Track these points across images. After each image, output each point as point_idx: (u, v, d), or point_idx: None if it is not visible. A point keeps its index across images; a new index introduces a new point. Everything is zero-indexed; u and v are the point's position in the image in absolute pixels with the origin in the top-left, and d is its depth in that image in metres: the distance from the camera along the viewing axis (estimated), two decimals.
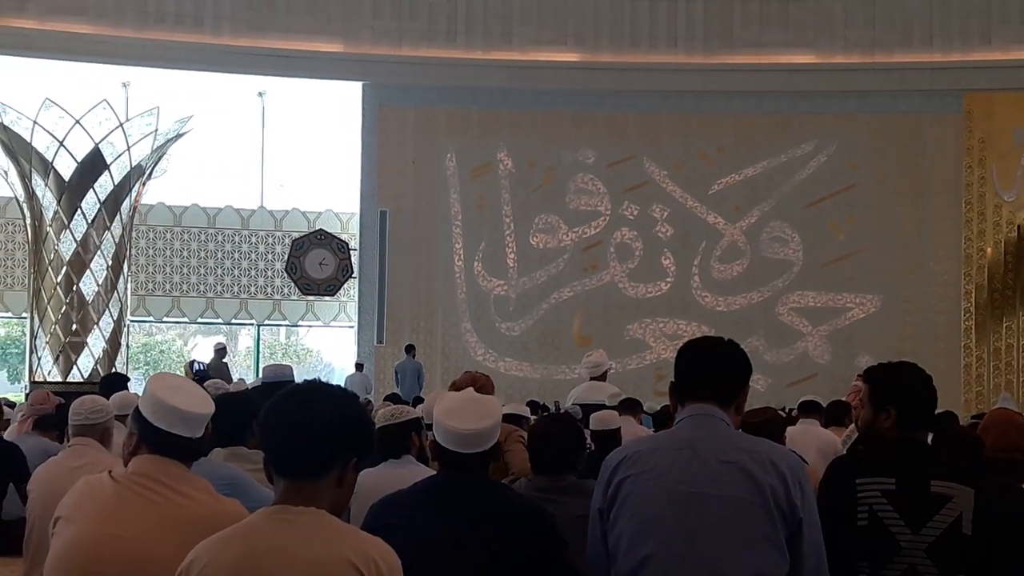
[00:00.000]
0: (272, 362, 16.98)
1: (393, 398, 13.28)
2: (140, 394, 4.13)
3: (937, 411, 10.72)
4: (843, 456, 4.72)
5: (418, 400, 15.63)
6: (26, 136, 19.72)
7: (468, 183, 23.92)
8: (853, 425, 7.75)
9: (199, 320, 25.81)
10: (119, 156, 20.08)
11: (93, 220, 20.14)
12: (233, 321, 25.67)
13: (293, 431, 2.97)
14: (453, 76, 23.32)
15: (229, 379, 18.81)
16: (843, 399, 10.97)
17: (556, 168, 23.92)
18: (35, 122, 19.70)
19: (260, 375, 10.46)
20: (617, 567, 3.67)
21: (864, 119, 23.36)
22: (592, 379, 12.49)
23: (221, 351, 21.70)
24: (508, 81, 23.38)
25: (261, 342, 27.70)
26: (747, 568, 3.54)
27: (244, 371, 27.91)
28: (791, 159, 23.62)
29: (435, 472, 4.30)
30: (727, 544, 3.55)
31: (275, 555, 2.90)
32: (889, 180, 23.27)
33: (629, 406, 10.58)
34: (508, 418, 7.73)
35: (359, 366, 22.40)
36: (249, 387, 9.42)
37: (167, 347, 38.69)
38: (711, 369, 3.87)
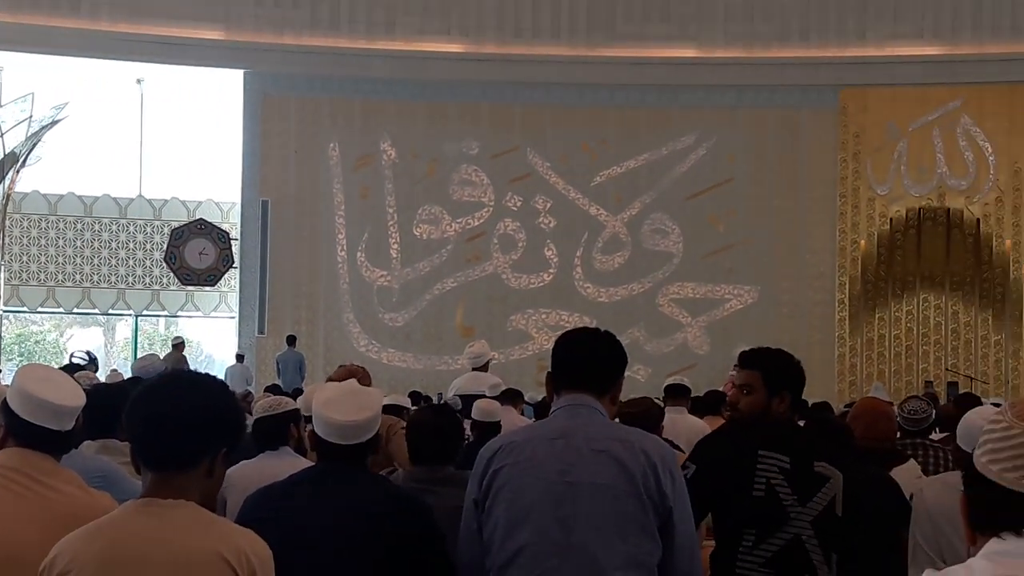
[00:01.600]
0: (147, 352, 16.77)
1: (273, 389, 13.18)
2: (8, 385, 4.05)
3: (812, 401, 10.92)
4: (741, 425, 4.78)
5: (299, 391, 15.54)
6: None
7: (351, 173, 23.80)
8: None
9: (75, 311, 25.36)
10: None
11: None
12: (111, 312, 25.25)
13: (160, 422, 2.93)
14: (336, 65, 23.18)
15: None
16: (720, 389, 11.10)
17: (440, 159, 23.89)
18: None
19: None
20: (492, 557, 3.68)
21: (743, 113, 23.68)
22: (474, 370, 12.50)
23: (179, 345, 21.38)
24: (392, 71, 23.28)
25: (140, 333, 27.26)
26: (621, 555, 3.59)
27: (122, 363, 27.45)
28: (672, 152, 23.85)
29: (313, 463, 4.29)
30: (601, 532, 3.59)
31: (142, 548, 2.86)
32: (767, 173, 23.60)
33: (510, 396, 10.61)
34: (389, 409, 7.73)
35: (240, 357, 22.20)
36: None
37: (42, 338, 37.91)
38: (587, 360, 3.90)
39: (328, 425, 3.96)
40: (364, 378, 6.93)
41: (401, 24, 23.38)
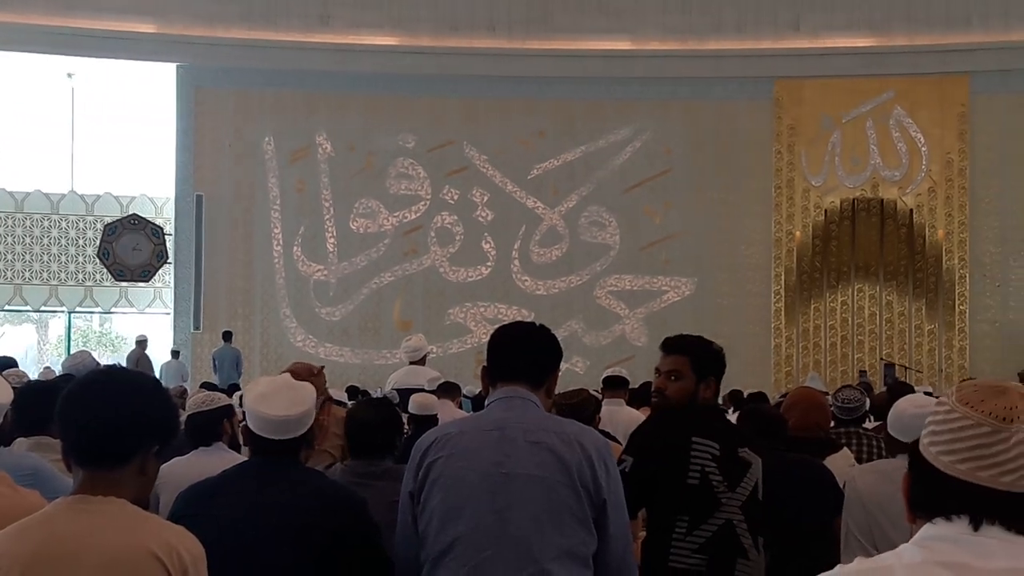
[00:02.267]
0: (81, 349, 16.59)
1: (208, 386, 13.06)
2: None
3: (749, 391, 10.98)
4: (672, 414, 4.69)
5: (235, 387, 15.46)
6: None
7: (287, 167, 23.69)
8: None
9: (7, 308, 25.03)
10: None
11: None
12: (43, 308, 24.96)
13: (91, 419, 2.90)
14: (271, 58, 23.02)
15: (150, 371, 18.39)
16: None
17: (376, 152, 23.83)
18: None
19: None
20: (427, 549, 3.67)
21: (679, 105, 23.76)
22: (411, 363, 12.53)
23: (143, 343, 21.14)
24: (328, 64, 23.15)
25: (73, 330, 26.97)
26: (556, 546, 3.59)
27: (55, 361, 27.15)
28: (608, 144, 23.92)
29: (246, 459, 4.26)
30: (536, 523, 3.59)
31: (72, 546, 2.82)
32: (703, 165, 23.71)
33: (448, 390, 10.61)
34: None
35: (175, 353, 22.04)
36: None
37: None
38: (522, 353, 3.90)
39: (261, 420, 3.93)
40: (319, 376, 6.86)
41: (336, 17, 23.27)
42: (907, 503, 2.00)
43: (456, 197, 23.89)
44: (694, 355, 4.63)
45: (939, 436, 1.95)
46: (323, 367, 7.49)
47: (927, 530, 1.92)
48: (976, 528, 1.88)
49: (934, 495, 1.93)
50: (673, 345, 4.71)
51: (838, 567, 1.99)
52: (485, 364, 3.94)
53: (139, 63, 23.46)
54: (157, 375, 18.89)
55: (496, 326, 4.13)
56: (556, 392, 4.17)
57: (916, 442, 2.00)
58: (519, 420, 3.74)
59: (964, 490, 1.90)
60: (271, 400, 3.96)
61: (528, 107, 23.83)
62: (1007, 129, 22.85)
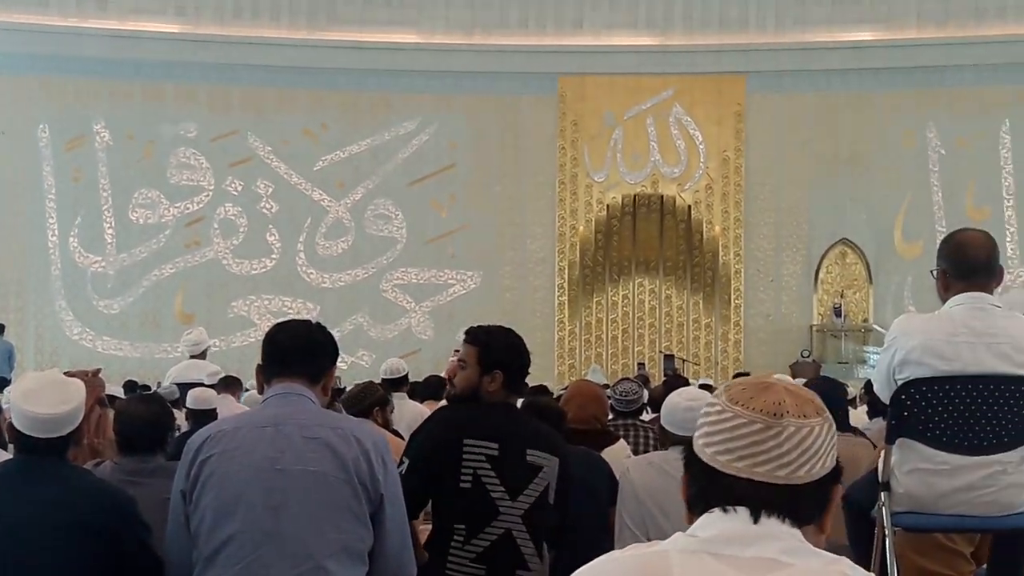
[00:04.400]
0: None
1: None
2: None
3: (532, 384, 11.13)
4: (449, 409, 4.75)
5: (6, 382, 14.98)
6: None
7: (62, 155, 23.01)
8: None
9: None
10: None
11: None
12: None
13: None
14: (46, 43, 22.30)
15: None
16: (442, 374, 11.19)
17: (157, 141, 23.33)
18: None
19: None
20: (200, 548, 3.62)
21: (463, 99, 23.86)
22: (192, 357, 12.38)
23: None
24: (105, 51, 22.55)
25: None
26: (333, 542, 3.58)
27: None
28: (394, 137, 23.87)
29: (11, 457, 4.15)
30: (312, 519, 3.58)
31: None
32: (488, 160, 23.87)
33: (229, 384, 10.50)
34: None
35: None
36: None
37: None
38: (298, 349, 3.88)
39: (26, 418, 3.83)
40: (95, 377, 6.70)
41: (114, 1, 22.69)
42: (686, 504, 2.04)
43: (240, 188, 23.55)
44: (482, 345, 4.53)
45: (714, 437, 1.97)
46: (99, 369, 7.33)
47: (703, 520, 1.95)
48: (756, 521, 1.92)
49: (713, 493, 1.96)
50: (468, 333, 4.65)
51: (612, 551, 2.00)
52: (259, 362, 3.91)
53: None
54: None
55: (280, 319, 4.10)
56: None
57: (691, 444, 2.03)
58: (295, 416, 3.72)
59: (743, 486, 1.93)
60: (38, 397, 3.86)
61: (313, 98, 23.63)
62: (781, 128, 23.59)
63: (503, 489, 4.30)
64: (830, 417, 2.00)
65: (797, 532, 1.93)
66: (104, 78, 22.99)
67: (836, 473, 1.99)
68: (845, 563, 1.90)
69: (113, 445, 6.51)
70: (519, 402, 5.46)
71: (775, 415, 1.95)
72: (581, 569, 1.95)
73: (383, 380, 9.72)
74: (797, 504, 1.94)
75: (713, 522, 1.94)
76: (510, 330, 4.74)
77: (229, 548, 3.57)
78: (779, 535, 1.91)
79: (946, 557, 4.81)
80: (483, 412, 4.49)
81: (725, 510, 1.93)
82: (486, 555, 4.25)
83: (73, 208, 23.06)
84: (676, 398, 4.93)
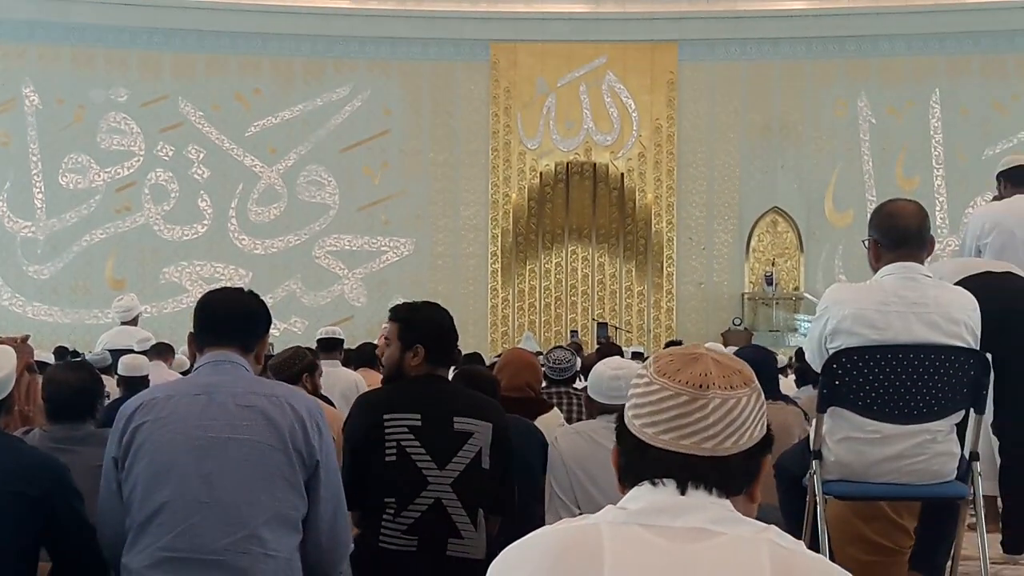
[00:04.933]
0: None
1: None
2: None
3: (466, 352, 11.10)
4: (371, 391, 4.84)
5: None
6: None
7: None
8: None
9: None
10: None
11: None
12: None
13: None
14: None
15: None
16: (376, 341, 11.16)
17: (87, 106, 23.06)
18: None
19: None
20: (132, 516, 3.60)
21: (397, 66, 23.77)
22: (123, 324, 12.28)
23: None
24: (35, 13, 22.26)
25: None
26: (266, 510, 3.57)
27: None
28: (327, 103, 23.74)
29: None
30: (246, 487, 3.56)
31: None
32: (422, 126, 23.83)
33: (160, 351, 10.40)
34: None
35: None
36: None
37: None
38: (231, 317, 3.86)
39: None
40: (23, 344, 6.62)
41: None
42: (617, 475, 2.04)
43: (171, 154, 23.34)
44: (403, 322, 4.57)
45: (642, 409, 1.97)
46: (28, 335, 7.26)
47: (634, 492, 1.96)
48: (683, 492, 1.93)
49: (642, 465, 1.96)
50: (391, 310, 4.69)
51: (543, 527, 2.00)
52: (191, 331, 3.89)
53: None
54: None
55: (212, 286, 4.09)
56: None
57: (621, 415, 2.03)
58: (228, 384, 3.69)
59: (670, 458, 1.94)
60: None
61: (245, 63, 23.45)
62: (713, 97, 23.72)
63: (429, 458, 4.29)
64: (758, 387, 2.00)
65: (726, 502, 1.94)
66: (33, 42, 22.70)
67: (766, 443, 2.00)
68: (773, 531, 1.91)
69: (43, 412, 6.47)
70: (451, 372, 5.45)
71: (701, 387, 1.95)
72: (512, 545, 1.96)
73: (317, 340, 9.69)
74: (725, 475, 1.95)
75: (643, 494, 1.95)
76: (434, 305, 4.76)
77: (162, 516, 3.55)
78: (707, 506, 1.92)
79: (888, 529, 4.89)
80: (404, 386, 4.52)
81: (654, 483, 1.95)
82: (417, 526, 4.25)
83: (2, 173, 22.82)
84: (602, 367, 4.93)
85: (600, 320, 22.72)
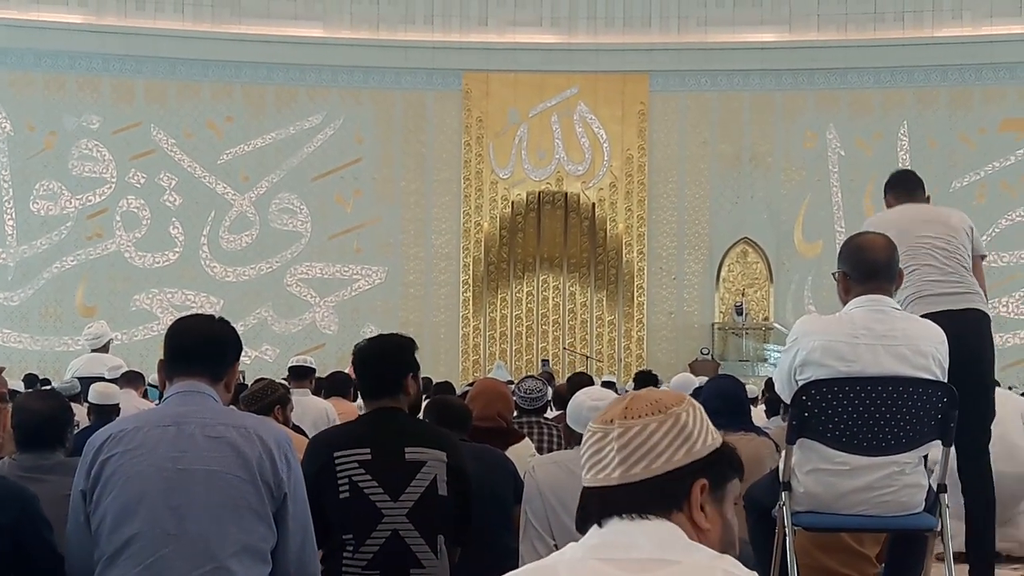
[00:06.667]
0: None
1: None
2: None
3: (437, 381, 11.12)
4: (322, 431, 4.91)
5: None
6: None
7: None
8: None
9: None
10: None
11: None
12: None
13: None
14: None
15: None
16: (346, 371, 11.16)
17: (59, 132, 23.01)
18: None
19: None
20: (101, 548, 3.59)
21: (370, 94, 23.82)
22: (94, 351, 12.23)
23: None
24: (7, 40, 22.24)
25: None
26: (235, 542, 3.56)
27: None
28: (299, 131, 23.75)
29: None
30: (215, 519, 3.55)
31: None
32: (394, 155, 23.86)
33: (131, 379, 10.37)
34: None
35: None
36: None
37: None
38: (200, 346, 3.86)
39: None
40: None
41: None
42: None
43: (143, 181, 23.30)
44: (353, 358, 4.66)
45: (583, 457, 2.06)
46: (2, 368, 7.20)
47: (590, 531, 2.01)
48: (600, 525, 1.99)
49: (584, 507, 2.04)
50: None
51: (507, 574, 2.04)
52: (162, 359, 3.90)
53: None
54: None
55: (183, 313, 4.08)
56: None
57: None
58: (197, 415, 3.69)
59: (590, 494, 2.02)
60: None
61: (217, 91, 23.45)
62: (683, 127, 23.85)
63: (382, 491, 4.29)
64: (678, 412, 2.03)
65: (668, 525, 1.98)
66: (5, 68, 22.67)
67: (695, 467, 2.02)
68: (728, 561, 1.95)
69: (12, 440, 6.43)
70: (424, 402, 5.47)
71: (609, 422, 2.03)
72: None
73: (289, 368, 9.67)
74: (636, 498, 1.99)
75: (595, 532, 2.00)
76: (377, 337, 4.77)
77: (131, 548, 3.54)
78: (649, 532, 1.97)
79: (850, 559, 4.92)
80: (354, 422, 4.61)
81: (600, 523, 2.00)
82: (377, 559, 4.25)
83: None
84: (581, 397, 4.96)
85: (570, 350, 22.77)
